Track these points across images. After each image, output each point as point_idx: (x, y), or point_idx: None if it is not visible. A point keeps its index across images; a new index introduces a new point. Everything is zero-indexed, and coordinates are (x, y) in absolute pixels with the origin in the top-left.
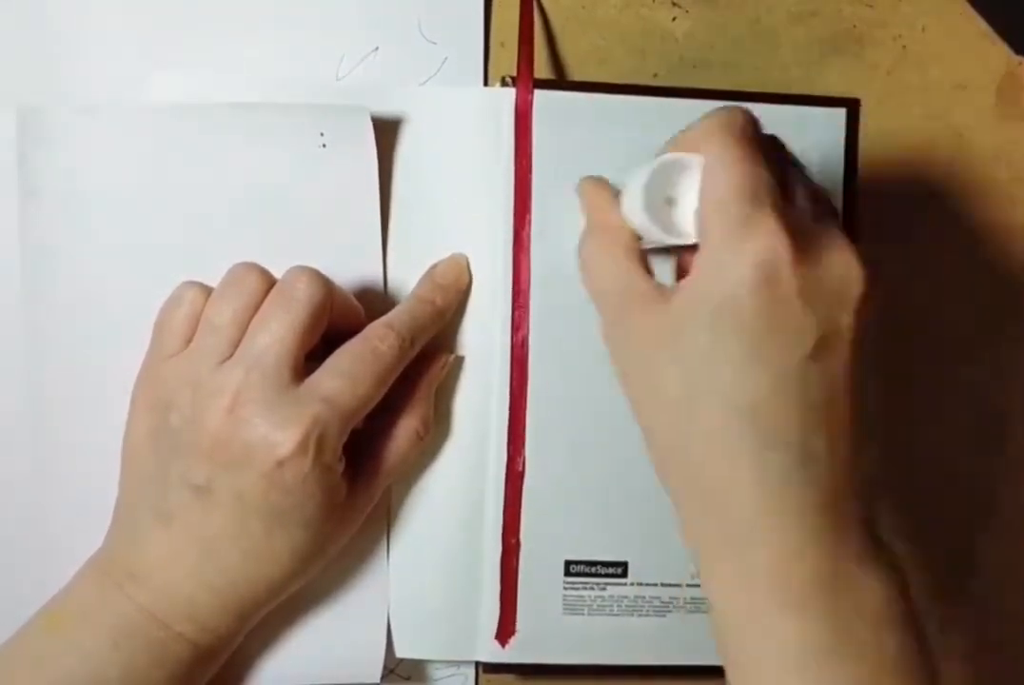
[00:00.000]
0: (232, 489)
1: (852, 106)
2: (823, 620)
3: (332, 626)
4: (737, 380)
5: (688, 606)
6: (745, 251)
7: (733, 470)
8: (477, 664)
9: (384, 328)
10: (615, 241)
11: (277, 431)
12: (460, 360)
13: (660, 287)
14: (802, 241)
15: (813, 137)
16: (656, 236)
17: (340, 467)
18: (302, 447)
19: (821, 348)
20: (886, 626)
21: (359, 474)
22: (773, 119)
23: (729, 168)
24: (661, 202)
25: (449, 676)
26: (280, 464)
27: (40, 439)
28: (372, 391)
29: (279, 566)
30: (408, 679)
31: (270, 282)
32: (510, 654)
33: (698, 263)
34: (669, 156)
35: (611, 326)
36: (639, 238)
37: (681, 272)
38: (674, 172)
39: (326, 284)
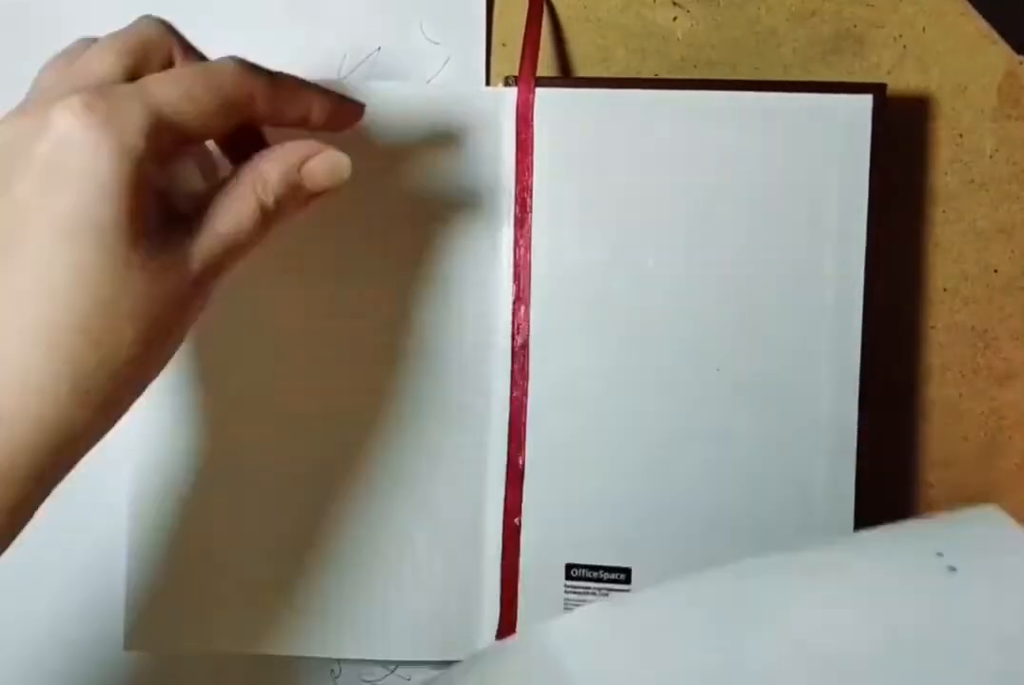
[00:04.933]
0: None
1: (878, 92)
2: None
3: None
4: None
5: None
6: None
7: None
8: None
9: None
10: None
11: (57, 100)
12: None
13: None
14: None
15: (836, 128)
16: None
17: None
18: (82, 104)
19: None
20: None
21: (192, 243)
22: (787, 109)
23: None
24: None
25: None
26: (54, 119)
27: None
28: (205, 108)
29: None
30: (408, 680)
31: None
32: None
33: None
34: None
35: None
36: None
37: None
38: None
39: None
